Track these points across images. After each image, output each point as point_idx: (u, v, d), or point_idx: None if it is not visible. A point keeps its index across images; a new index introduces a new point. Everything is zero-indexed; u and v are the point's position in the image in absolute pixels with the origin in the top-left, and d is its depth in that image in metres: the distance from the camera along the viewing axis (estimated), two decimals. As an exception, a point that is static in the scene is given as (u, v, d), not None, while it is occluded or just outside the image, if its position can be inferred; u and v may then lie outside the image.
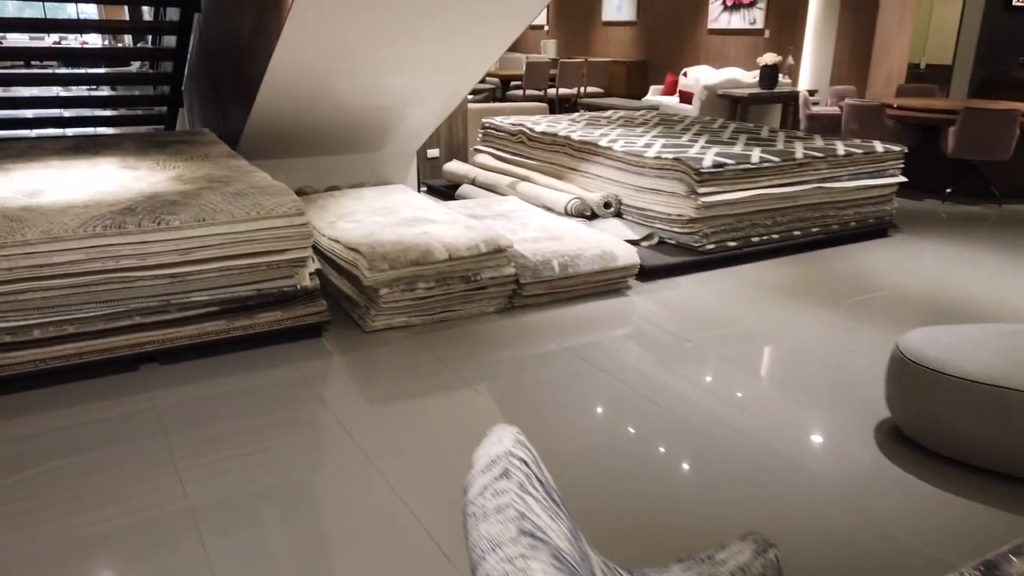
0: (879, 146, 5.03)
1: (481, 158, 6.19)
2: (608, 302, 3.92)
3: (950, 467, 2.46)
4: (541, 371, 3.15)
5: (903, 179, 5.12)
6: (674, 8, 10.98)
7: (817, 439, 2.65)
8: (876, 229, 5.16)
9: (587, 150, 5.15)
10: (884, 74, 9.04)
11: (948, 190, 6.33)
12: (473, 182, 5.84)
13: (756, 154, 4.59)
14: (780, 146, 4.92)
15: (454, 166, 6.17)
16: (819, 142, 5.12)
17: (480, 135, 6.43)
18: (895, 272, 4.43)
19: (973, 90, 10.88)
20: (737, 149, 4.76)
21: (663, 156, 4.50)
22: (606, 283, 4.01)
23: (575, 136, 5.29)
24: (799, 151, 4.72)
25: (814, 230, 4.85)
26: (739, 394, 2.94)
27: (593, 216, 4.86)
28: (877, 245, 5.00)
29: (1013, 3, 10.57)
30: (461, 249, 3.50)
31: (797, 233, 4.77)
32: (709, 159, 4.39)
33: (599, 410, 2.82)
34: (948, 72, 11.37)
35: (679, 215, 4.42)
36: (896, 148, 5.04)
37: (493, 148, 6.23)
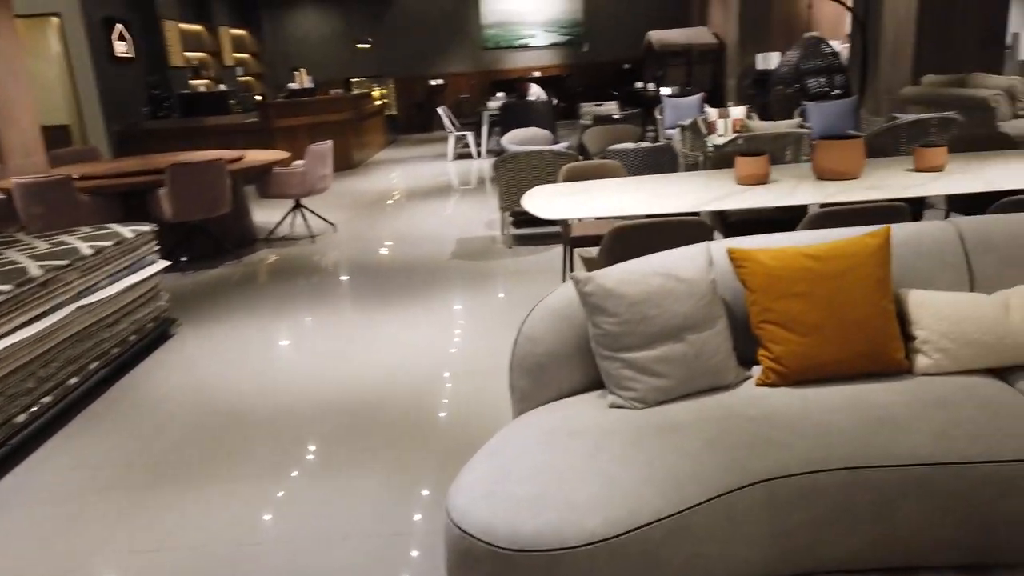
0: (126, 230, 3.77)
1: None
2: None
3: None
4: None
5: (166, 262, 4.02)
6: None
7: None
8: (160, 334, 3.95)
9: None
10: (20, 143, 7.39)
11: (184, 259, 5.49)
12: None
13: (-30, 290, 2.77)
14: (-11, 266, 3.15)
15: None
16: (43, 245, 3.53)
17: None
18: (225, 379, 3.40)
19: (115, 146, 10.15)
20: (-77, 291, 2.80)
21: None
22: None
23: None
24: (31, 267, 3.09)
25: (94, 367, 3.34)
26: None
27: None
28: (169, 351, 3.83)
29: (115, 54, 10.22)
30: None
31: (75, 381, 3.20)
32: None
33: None
34: (67, 132, 10.32)
35: None
36: (146, 228, 3.88)
37: None
